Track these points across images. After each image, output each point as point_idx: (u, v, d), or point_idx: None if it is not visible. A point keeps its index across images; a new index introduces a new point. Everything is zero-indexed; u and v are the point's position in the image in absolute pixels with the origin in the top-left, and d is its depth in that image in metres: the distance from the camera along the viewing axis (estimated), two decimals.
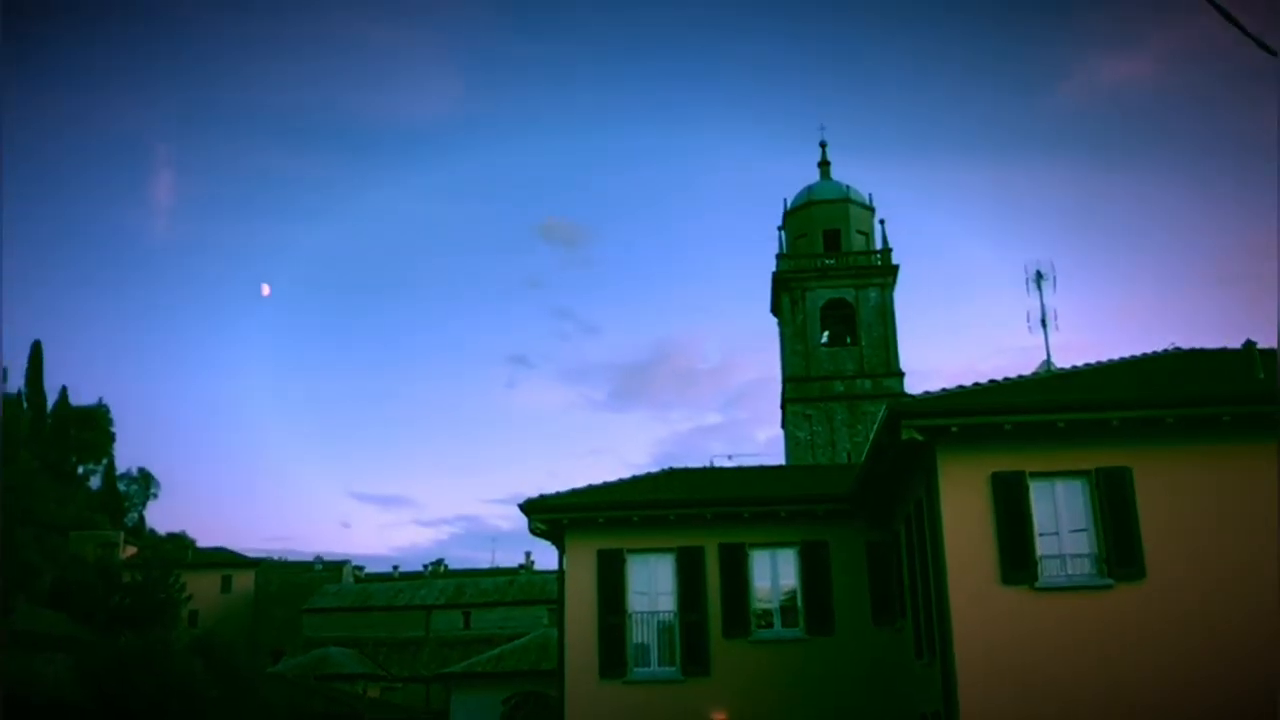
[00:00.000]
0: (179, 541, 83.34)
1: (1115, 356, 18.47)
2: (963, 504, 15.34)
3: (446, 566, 72.25)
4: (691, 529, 20.62)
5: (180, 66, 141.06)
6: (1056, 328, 21.06)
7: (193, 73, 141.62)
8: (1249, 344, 17.02)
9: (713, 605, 20.32)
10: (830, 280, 46.76)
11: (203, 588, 65.79)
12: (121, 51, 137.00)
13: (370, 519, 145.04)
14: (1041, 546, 15.19)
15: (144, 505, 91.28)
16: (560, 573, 21.39)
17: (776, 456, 49.59)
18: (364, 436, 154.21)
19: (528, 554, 71.58)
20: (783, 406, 46.61)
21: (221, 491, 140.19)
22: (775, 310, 48.75)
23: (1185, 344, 19.27)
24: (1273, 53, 5.53)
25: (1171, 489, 15.11)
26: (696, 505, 20.70)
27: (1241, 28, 5.48)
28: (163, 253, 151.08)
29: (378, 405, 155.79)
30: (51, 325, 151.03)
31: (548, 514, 21.07)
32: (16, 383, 79.52)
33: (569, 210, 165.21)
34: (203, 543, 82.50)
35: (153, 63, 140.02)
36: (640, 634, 20.53)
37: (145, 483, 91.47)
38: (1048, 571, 15.11)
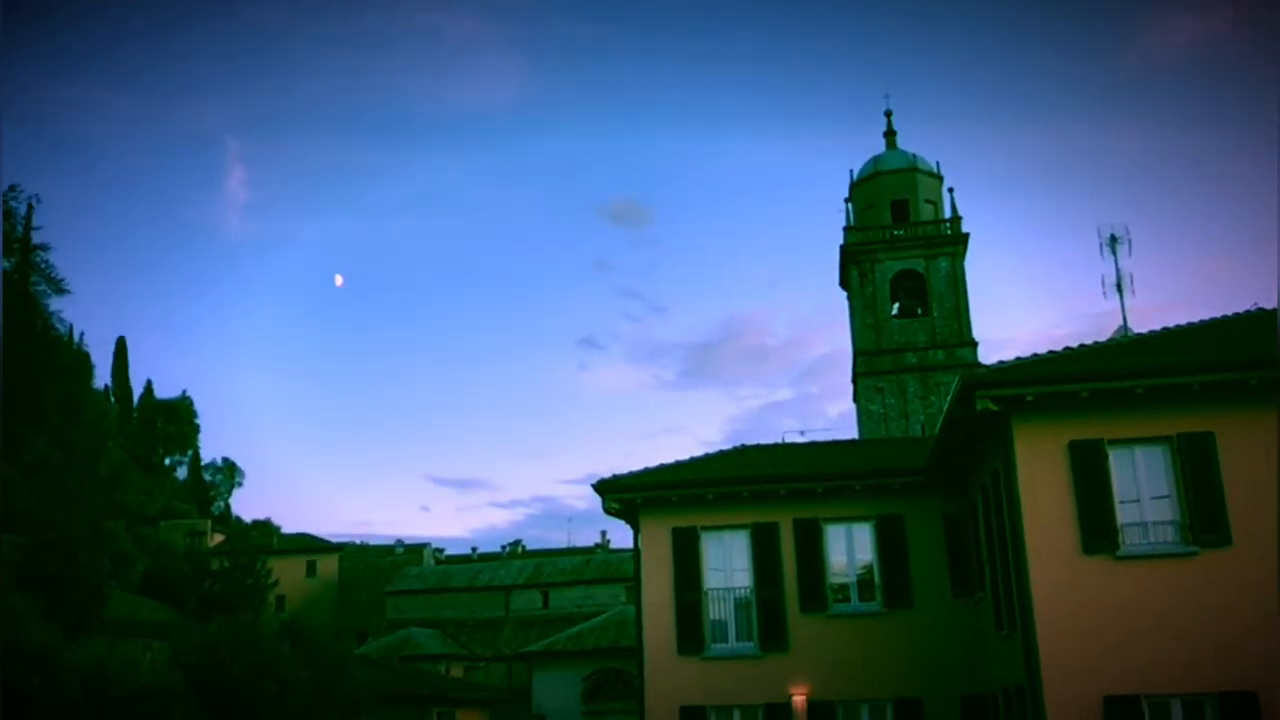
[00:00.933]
0: (264, 528, 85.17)
1: (1194, 319, 18.07)
2: (1040, 474, 15.17)
3: (524, 547, 73.05)
4: (765, 505, 20.63)
5: (249, 62, 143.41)
6: (1132, 292, 20.73)
7: (261, 68, 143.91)
8: None
9: (788, 581, 20.33)
10: (899, 251, 46.27)
11: (288, 573, 67.24)
12: (194, 50, 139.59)
13: (448, 502, 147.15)
14: (1122, 514, 14.98)
15: (229, 494, 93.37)
16: (636, 551, 21.54)
17: (849, 431, 49.38)
18: (440, 422, 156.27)
19: (603, 533, 72.13)
20: (854, 380, 46.30)
21: (303, 479, 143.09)
22: (844, 283, 48.36)
23: (1268, 304, 18.78)
24: None
25: (1256, 453, 14.75)
26: (770, 481, 20.69)
27: None
28: (238, 246, 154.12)
29: (453, 391, 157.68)
30: (134, 320, 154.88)
31: (621, 493, 21.21)
32: (103, 378, 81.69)
33: (634, 191, 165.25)
34: (287, 529, 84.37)
35: (223, 59, 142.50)
36: (717, 610, 20.62)
37: (230, 472, 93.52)
38: (1129, 540, 14.90)
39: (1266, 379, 14.68)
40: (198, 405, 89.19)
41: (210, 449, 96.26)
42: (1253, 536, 14.45)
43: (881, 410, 44.05)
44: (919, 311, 45.88)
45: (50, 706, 20.93)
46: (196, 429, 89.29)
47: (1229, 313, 18.40)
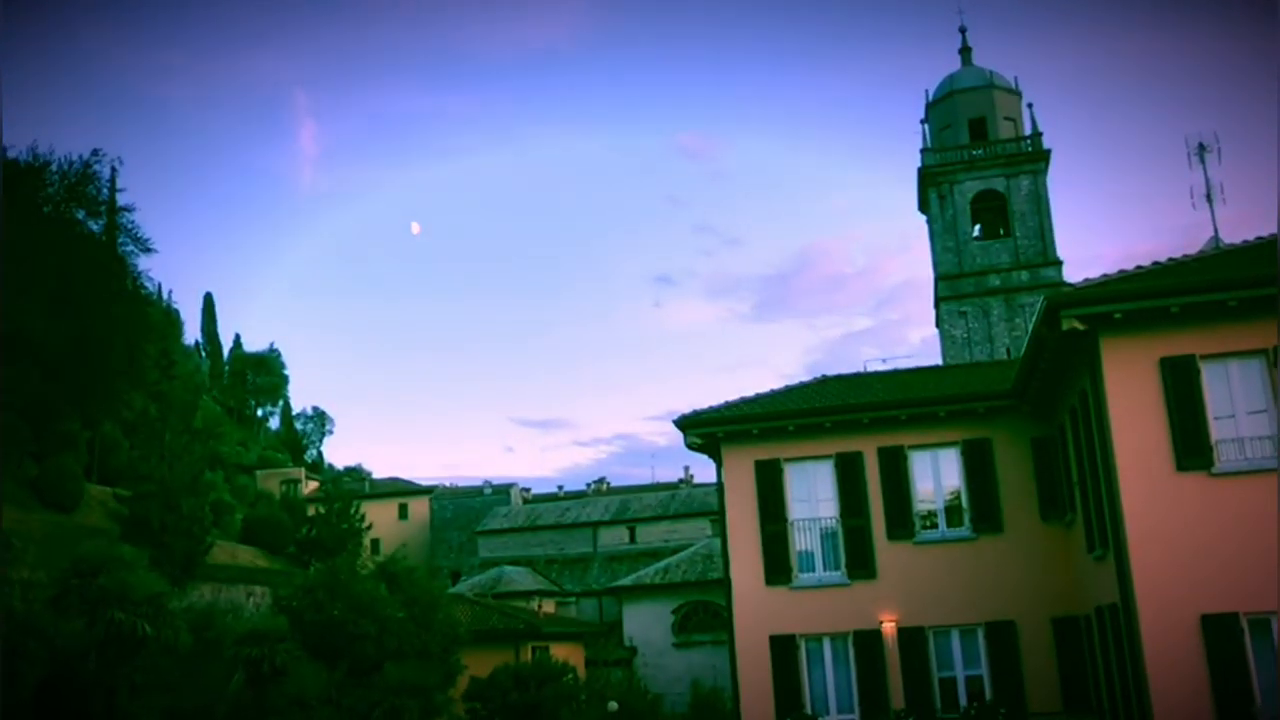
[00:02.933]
0: (355, 474, 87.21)
1: None
2: (1131, 392, 14.85)
3: (608, 484, 73.74)
4: (848, 434, 20.55)
5: (312, 15, 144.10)
6: (1223, 201, 20.06)
7: (324, 20, 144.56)
8: None
9: (874, 509, 20.29)
10: (979, 171, 45.26)
11: (381, 517, 68.81)
12: (259, 6, 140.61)
13: (532, 442, 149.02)
14: (1217, 430, 14.63)
15: (321, 442, 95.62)
16: (719, 485, 21.63)
17: (932, 357, 48.80)
18: (520, 363, 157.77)
19: (686, 468, 72.42)
20: (936, 305, 45.64)
21: (390, 425, 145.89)
22: (923, 207, 47.52)
23: None
24: None
25: None
26: (852, 411, 20.59)
27: None
28: (314, 199, 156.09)
29: (531, 332, 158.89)
30: (220, 276, 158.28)
31: (703, 428, 21.26)
32: (193, 334, 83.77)
33: (704, 125, 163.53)
34: (377, 475, 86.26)
35: (287, 13, 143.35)
36: (802, 540, 20.67)
37: (320, 421, 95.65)
38: (1225, 456, 14.55)
39: None
40: (285, 357, 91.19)
41: (300, 399, 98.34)
42: None
43: (965, 335, 43.40)
44: (1001, 232, 44.93)
45: (162, 650, 21.79)
46: (286, 380, 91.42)
47: None
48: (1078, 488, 17.85)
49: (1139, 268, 15.86)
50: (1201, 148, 20.42)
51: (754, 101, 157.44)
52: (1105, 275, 15.66)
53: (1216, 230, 20.20)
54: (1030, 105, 46.24)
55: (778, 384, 23.62)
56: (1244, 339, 14.73)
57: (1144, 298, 14.76)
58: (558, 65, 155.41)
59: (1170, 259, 16.26)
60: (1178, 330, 14.79)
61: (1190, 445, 14.56)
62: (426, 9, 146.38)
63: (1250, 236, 17.36)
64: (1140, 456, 14.66)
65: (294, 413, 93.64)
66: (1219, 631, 14.01)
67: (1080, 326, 14.85)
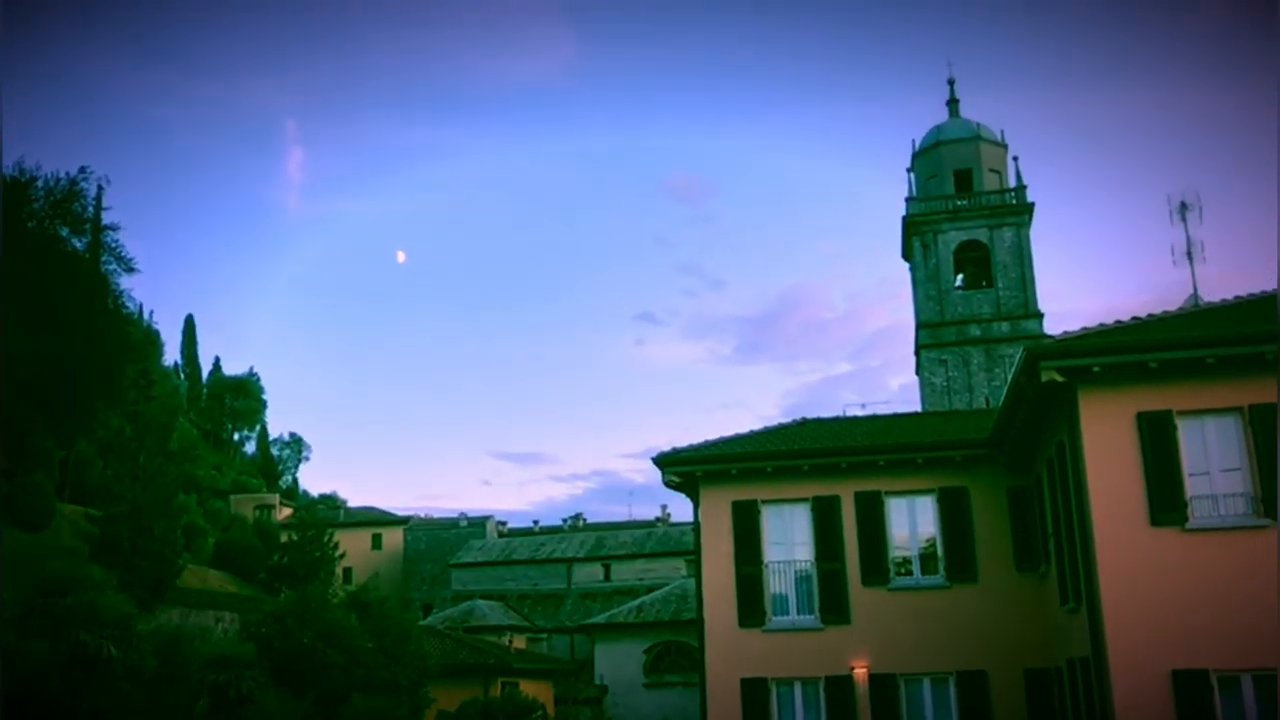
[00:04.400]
0: (330, 502, 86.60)
1: (1267, 288, 17.60)
2: (1107, 445, 14.93)
3: (585, 520, 73.46)
4: (826, 478, 20.55)
5: (304, 44, 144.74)
6: (1203, 260, 20.28)
7: (315, 50, 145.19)
8: None
9: (850, 554, 20.26)
10: (963, 221, 45.69)
11: (355, 546, 68.35)
12: (252, 33, 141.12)
13: (509, 476, 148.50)
14: (1192, 487, 14.71)
15: (296, 468, 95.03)
16: (696, 524, 21.59)
17: (911, 404, 48.95)
18: (501, 397, 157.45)
19: (664, 507, 72.27)
20: (917, 353, 45.86)
21: (368, 454, 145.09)
22: (906, 255, 47.85)
23: None
24: None
25: None
26: (830, 454, 20.60)
27: None
28: (298, 226, 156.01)
29: (513, 366, 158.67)
30: (201, 299, 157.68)
31: (681, 467, 21.25)
32: (172, 356, 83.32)
33: (691, 167, 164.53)
34: (352, 503, 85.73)
35: (279, 42, 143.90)
36: (777, 583, 20.62)
37: (297, 447, 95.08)
38: (1199, 512, 14.62)
39: None
40: (264, 382, 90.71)
41: (277, 425, 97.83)
42: None
43: (945, 383, 43.61)
44: (983, 283, 45.30)
45: (126, 674, 21.51)
46: (264, 405, 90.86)
47: None
48: (1052, 539, 17.89)
49: (1118, 322, 16.01)
50: (1183, 206, 20.66)
51: (742, 145, 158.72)
52: (1085, 328, 15.80)
53: (1196, 288, 20.41)
54: (1015, 158, 46.83)
55: (756, 426, 23.68)
56: (1220, 397, 14.84)
57: (1123, 352, 14.88)
58: (548, 102, 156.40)
59: (1150, 315, 16.42)
60: (1155, 386, 14.89)
61: (1165, 501, 14.63)
62: (419, 42, 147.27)
63: (1229, 295, 17.58)
64: (1115, 510, 14.71)
65: (271, 438, 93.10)
66: (1189, 688, 14.01)
67: (1059, 378, 14.95)
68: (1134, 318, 16.18)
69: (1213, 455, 14.88)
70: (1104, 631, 14.43)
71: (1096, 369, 14.86)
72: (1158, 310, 16.86)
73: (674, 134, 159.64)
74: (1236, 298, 17.36)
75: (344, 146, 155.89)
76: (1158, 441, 14.81)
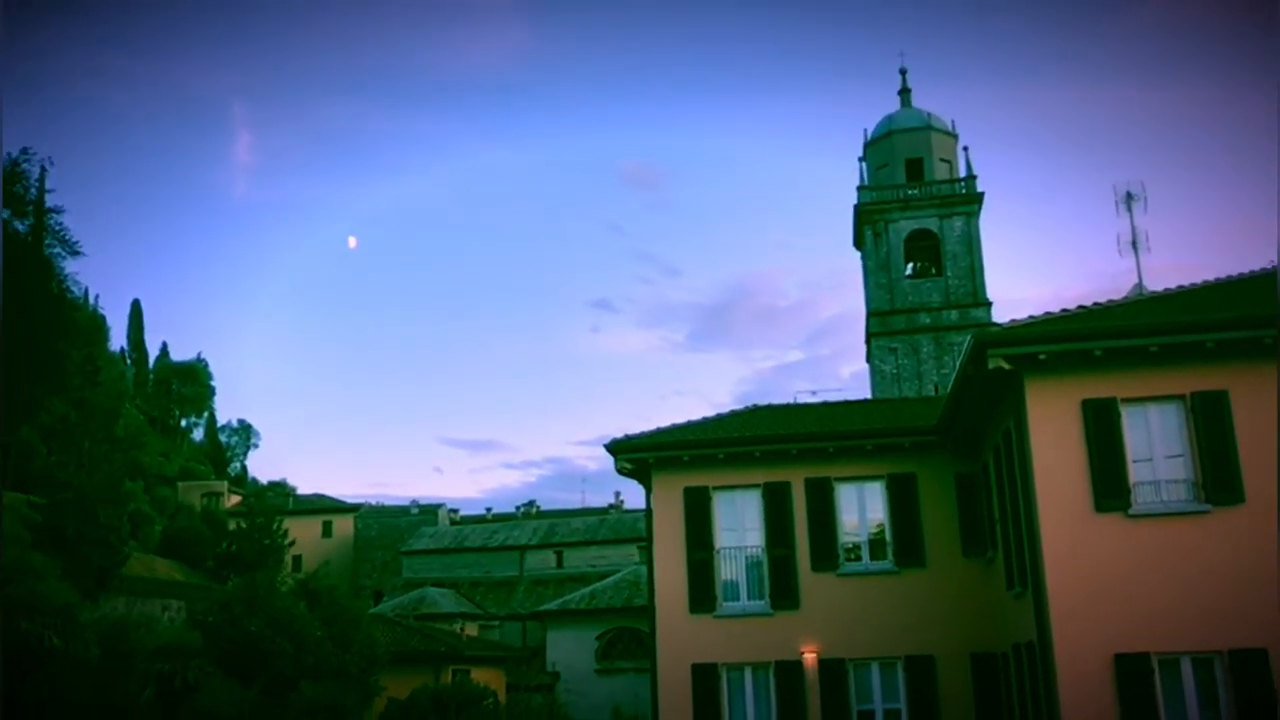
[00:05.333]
0: (280, 489, 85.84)
1: (1210, 278, 17.92)
2: (1053, 432, 15.13)
3: (538, 508, 73.37)
4: (777, 465, 20.66)
5: (253, 26, 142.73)
6: (1148, 250, 20.56)
7: (265, 32, 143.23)
8: None
9: (800, 540, 20.39)
10: (913, 210, 46.02)
11: (304, 533, 67.77)
12: (199, 14, 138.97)
13: (462, 463, 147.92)
14: (1135, 473, 14.94)
15: (245, 455, 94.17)
16: (648, 511, 21.62)
17: (862, 391, 49.34)
18: (453, 384, 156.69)
19: (617, 494, 72.34)
20: (867, 341, 46.20)
21: (318, 441, 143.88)
22: (858, 243, 48.15)
23: None
24: None
25: (1269, 411, 14.62)
26: (781, 441, 20.71)
27: None
28: (248, 210, 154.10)
29: (466, 353, 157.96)
30: (149, 284, 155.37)
31: (633, 454, 21.27)
32: (119, 341, 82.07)
33: (646, 154, 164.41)
34: (302, 490, 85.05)
35: (228, 23, 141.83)
36: (728, 569, 20.71)
37: (245, 434, 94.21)
38: (1142, 498, 14.86)
39: None
40: (213, 368, 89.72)
41: (226, 411, 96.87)
42: (1264, 495, 14.36)
43: (895, 370, 43.97)
44: (933, 271, 45.69)
45: (70, 663, 21.20)
46: (212, 391, 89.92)
47: (1244, 271, 18.27)
48: (999, 525, 18.12)
49: (1064, 311, 16.20)
50: (1129, 196, 20.93)
51: (696, 133, 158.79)
52: (1032, 317, 15.97)
53: (1141, 277, 20.73)
54: (966, 148, 47.21)
55: (709, 413, 23.73)
56: (1163, 384, 15.09)
57: (1068, 340, 15.06)
58: (501, 89, 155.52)
59: (1095, 303, 16.63)
60: (1100, 373, 15.10)
61: (1109, 486, 14.85)
62: (370, 27, 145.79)
63: (1173, 285, 17.87)
64: (1060, 496, 14.92)
65: (219, 425, 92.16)
66: (1130, 671, 14.26)
67: (1006, 366, 15.11)
68: (1080, 306, 16.38)
69: (1155, 442, 15.12)
70: (1049, 616, 14.64)
71: (1043, 357, 15.04)
72: (1104, 299, 17.10)
73: (628, 122, 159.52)
74: (1180, 287, 17.67)
75: (294, 131, 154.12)
76: (1102, 428, 15.03)
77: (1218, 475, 14.64)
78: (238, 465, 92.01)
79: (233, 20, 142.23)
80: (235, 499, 72.98)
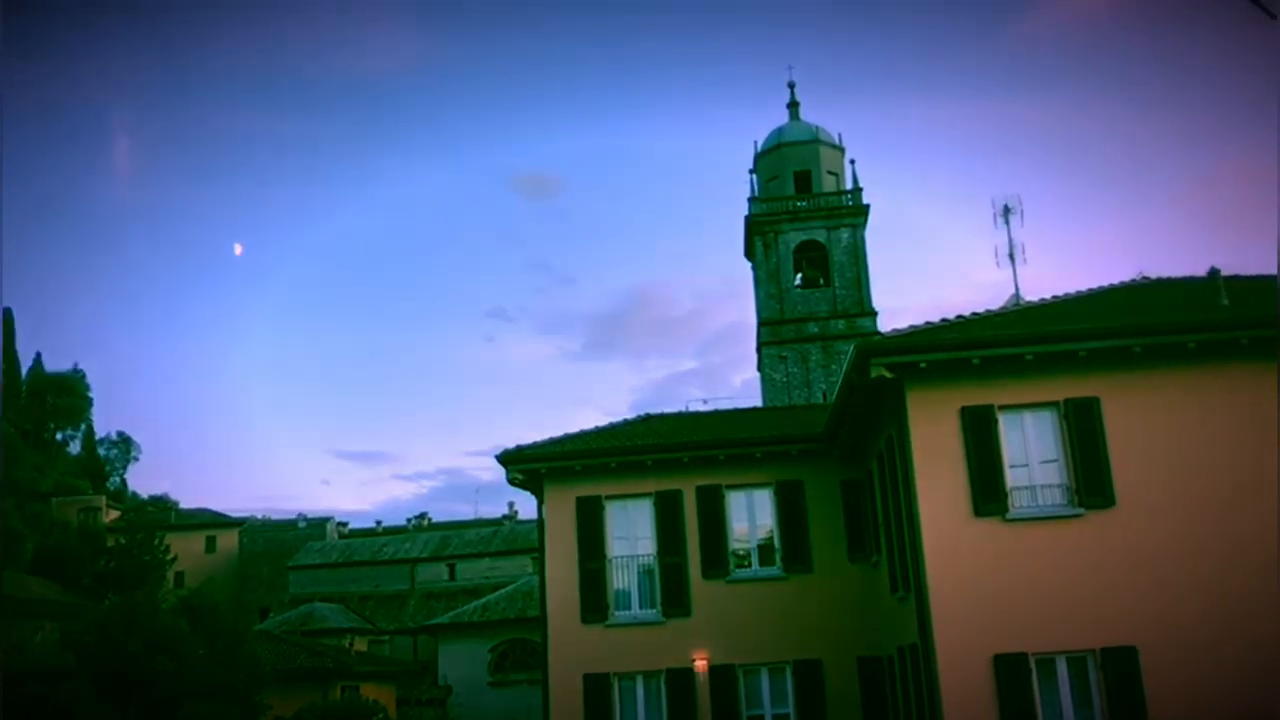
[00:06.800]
0: (161, 504, 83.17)
1: (1084, 288, 18.59)
2: (933, 438, 15.47)
3: (430, 520, 72.50)
4: (669, 473, 20.76)
5: (131, 28, 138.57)
6: (1025, 261, 21.17)
7: (144, 35, 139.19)
8: (1213, 271, 17.13)
9: (691, 547, 20.52)
10: (802, 222, 46.74)
11: (187, 549, 65.88)
12: (74, 16, 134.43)
13: (351, 476, 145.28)
14: (1012, 478, 15.36)
15: (125, 469, 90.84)
16: (540, 521, 21.52)
17: (753, 400, 49.83)
18: (342, 394, 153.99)
19: (511, 504, 71.97)
20: (758, 350, 46.75)
21: (203, 454, 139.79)
22: (749, 254, 48.71)
23: (1152, 273, 19.43)
24: (1273, 16, 5.23)
25: (1139, 417, 15.27)
26: (673, 450, 20.81)
27: None
28: (130, 217, 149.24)
29: (355, 363, 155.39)
30: (21, 293, 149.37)
31: (525, 464, 21.16)
32: None
33: (540, 163, 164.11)
34: (186, 504, 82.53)
35: (103, 25, 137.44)
36: (620, 578, 20.74)
37: (125, 447, 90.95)
38: (1019, 503, 15.29)
39: (1150, 345, 15.18)
40: (91, 379, 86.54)
41: (105, 424, 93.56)
42: (1135, 498, 14.96)
43: (785, 379, 44.57)
44: (821, 282, 46.44)
45: None
46: (89, 403, 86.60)
47: (1116, 282, 19.01)
48: (883, 530, 18.48)
49: (944, 320, 16.61)
50: (1006, 209, 21.54)
51: (591, 143, 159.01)
52: (912, 326, 16.34)
53: (1018, 287, 21.35)
54: (853, 161, 48.14)
55: (604, 422, 23.75)
56: (1038, 391, 15.55)
57: (947, 349, 15.42)
58: (393, 94, 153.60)
59: (974, 313, 17.09)
60: (978, 381, 15.49)
61: (987, 492, 15.24)
62: (256, 30, 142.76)
63: (1048, 295, 18.48)
64: (940, 501, 15.26)
65: (98, 438, 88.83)
66: (1009, 671, 14.63)
67: (888, 374, 15.42)
68: (959, 316, 16.82)
69: (1031, 448, 15.56)
70: (931, 619, 14.96)
71: (923, 365, 15.38)
72: (983, 309, 17.58)
73: (523, 130, 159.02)
74: (1054, 297, 18.26)
75: (176, 136, 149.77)
76: (980, 435, 15.42)
77: (1090, 480, 15.14)
78: (117, 479, 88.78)
79: (108, 20, 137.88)
80: (114, 514, 70.52)
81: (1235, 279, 17.36)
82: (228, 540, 71.64)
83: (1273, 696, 14.05)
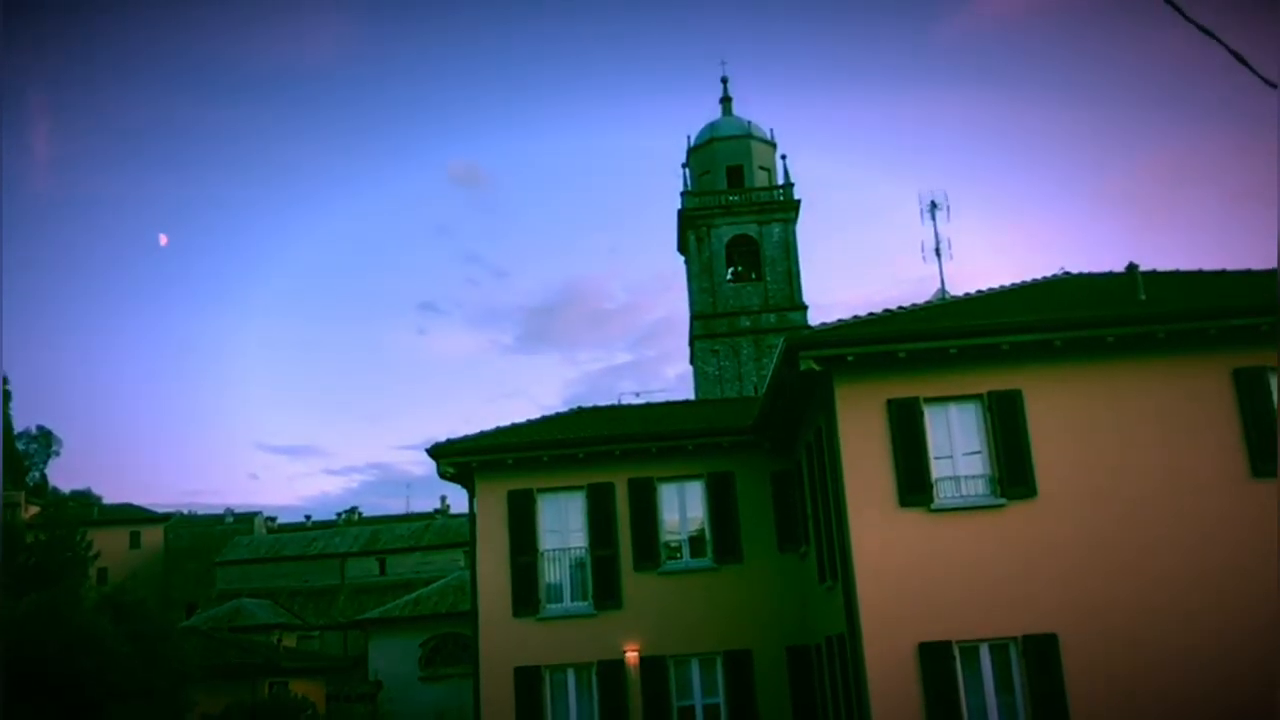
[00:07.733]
0: (83, 499, 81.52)
1: (1007, 283, 18.96)
2: (860, 430, 15.67)
3: (360, 514, 71.83)
4: (601, 466, 20.81)
5: (55, 7, 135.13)
6: (951, 256, 21.56)
7: (67, 16, 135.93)
8: (1131, 267, 17.57)
9: (623, 540, 20.60)
10: (734, 217, 47.07)
11: (111, 545, 64.59)
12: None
13: (279, 470, 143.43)
14: (937, 469, 15.60)
15: (45, 464, 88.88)
16: (471, 515, 21.46)
17: (686, 392, 50.14)
18: (270, 387, 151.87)
19: (443, 498, 71.50)
20: (691, 343, 46.99)
21: (127, 448, 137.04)
22: (682, 248, 48.92)
23: (1073, 268, 19.87)
24: (1273, 86, 5.22)
25: (1061, 409, 15.59)
26: (605, 442, 20.87)
27: (1237, 56, 5.25)
28: (51, 207, 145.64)
29: (284, 355, 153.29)
30: None
31: (456, 457, 21.07)
32: None
33: (474, 155, 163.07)
34: (109, 499, 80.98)
35: (23, 6, 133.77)
36: (552, 571, 20.76)
37: (45, 441, 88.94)
38: (943, 493, 15.54)
39: (1071, 339, 15.51)
40: (9, 372, 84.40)
41: (23, 417, 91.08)
42: (1056, 489, 15.28)
43: (717, 372, 44.86)
44: (753, 276, 46.80)
45: None
46: (7, 396, 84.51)
47: (1038, 276, 19.40)
48: (811, 521, 18.70)
49: (871, 314, 16.84)
50: (933, 205, 21.89)
51: (525, 135, 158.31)
52: (840, 320, 16.55)
53: (944, 281, 21.73)
54: (784, 156, 48.56)
55: (536, 415, 23.71)
56: (962, 384, 15.80)
57: (874, 342, 15.64)
58: (325, 83, 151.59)
59: (900, 307, 17.35)
60: (904, 374, 15.71)
61: (913, 483, 15.48)
62: (186, 16, 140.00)
63: (973, 289, 18.81)
64: (867, 492, 15.46)
65: (15, 432, 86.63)
66: (933, 659, 14.89)
67: (816, 367, 15.58)
68: (886, 310, 17.06)
69: (956, 439, 15.81)
70: (857, 608, 15.16)
71: (850, 358, 15.58)
72: (910, 303, 17.85)
73: (456, 121, 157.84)
74: (979, 291, 18.60)
75: (99, 122, 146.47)
76: (906, 427, 15.65)
77: (1012, 470, 15.44)
78: (37, 474, 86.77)
79: (28, 3, 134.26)
80: (34, 510, 68.89)
81: (1153, 273, 17.85)
82: (153, 536, 70.43)
83: (1189, 681, 14.47)
